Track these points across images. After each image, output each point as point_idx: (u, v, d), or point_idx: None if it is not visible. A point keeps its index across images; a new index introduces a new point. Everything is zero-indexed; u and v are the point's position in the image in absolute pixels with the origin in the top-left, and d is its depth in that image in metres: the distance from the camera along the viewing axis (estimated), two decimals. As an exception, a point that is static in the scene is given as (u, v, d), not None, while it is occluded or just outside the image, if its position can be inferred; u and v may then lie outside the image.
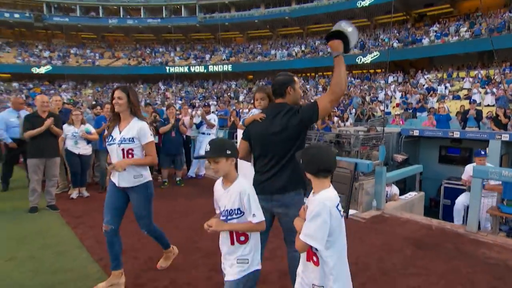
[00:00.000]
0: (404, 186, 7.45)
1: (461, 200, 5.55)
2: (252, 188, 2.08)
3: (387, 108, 14.14)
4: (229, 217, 2.05)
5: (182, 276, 3.21)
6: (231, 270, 2.02)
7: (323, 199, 1.68)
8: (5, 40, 33.70)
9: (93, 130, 5.89)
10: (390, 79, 20.84)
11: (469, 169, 5.13)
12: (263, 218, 2.00)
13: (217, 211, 2.21)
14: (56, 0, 33.24)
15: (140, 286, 3.00)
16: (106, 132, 2.98)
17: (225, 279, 2.04)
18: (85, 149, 5.83)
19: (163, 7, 33.58)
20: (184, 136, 7.06)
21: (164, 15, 33.47)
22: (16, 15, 31.80)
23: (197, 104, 20.95)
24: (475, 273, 3.29)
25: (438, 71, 20.54)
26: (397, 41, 23.65)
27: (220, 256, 3.33)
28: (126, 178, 2.83)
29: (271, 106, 2.61)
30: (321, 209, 1.63)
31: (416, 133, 8.57)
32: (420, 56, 22.41)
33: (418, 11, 26.59)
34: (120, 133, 2.81)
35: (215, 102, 21.79)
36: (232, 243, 2.05)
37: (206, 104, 8.34)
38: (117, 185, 2.86)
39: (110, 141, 2.83)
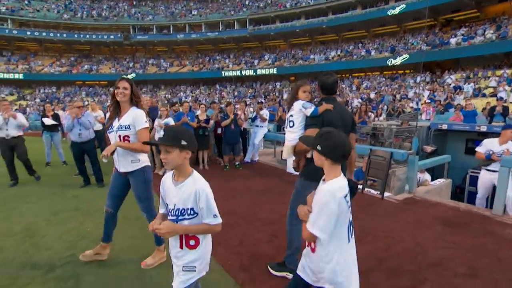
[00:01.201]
0: (432, 174, 7.09)
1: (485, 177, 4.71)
2: (209, 186, 1.61)
3: (416, 105, 13.32)
4: (180, 217, 1.56)
5: (248, 239, 3.40)
6: (177, 278, 1.59)
7: (334, 190, 1.43)
8: (103, 56, 36.65)
9: (172, 122, 6.24)
10: (418, 79, 19.48)
11: (487, 143, 4.53)
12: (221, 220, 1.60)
13: (161, 210, 1.70)
14: (139, 23, 35.30)
15: (215, 244, 3.25)
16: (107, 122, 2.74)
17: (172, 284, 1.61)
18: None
19: (220, 22, 34.18)
20: (242, 128, 7.25)
21: (220, 29, 34.08)
22: (111, 36, 34.36)
23: (248, 102, 21.30)
24: (500, 249, 3.15)
25: (464, 71, 18.77)
26: (425, 44, 21.94)
27: (278, 223, 3.54)
28: (123, 163, 2.60)
29: (332, 100, 2.51)
30: (331, 200, 1.39)
31: (444, 127, 8.05)
32: (447, 57, 20.58)
33: (446, 16, 24.35)
34: (119, 121, 2.58)
35: (263, 100, 21.95)
36: (181, 247, 1.59)
37: (259, 101, 8.51)
38: (118, 170, 2.67)
39: (110, 129, 2.61)
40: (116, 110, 2.62)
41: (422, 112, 10.91)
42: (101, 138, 6.59)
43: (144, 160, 2.67)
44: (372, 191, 5.20)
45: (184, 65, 34.39)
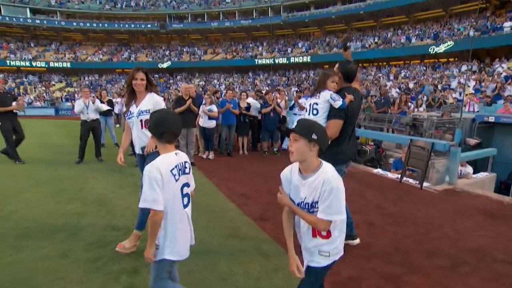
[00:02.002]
0: (475, 167, 6.92)
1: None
2: (153, 169, 1.61)
3: (460, 96, 12.66)
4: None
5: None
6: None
7: (334, 171, 1.48)
8: (140, 44, 38.24)
9: (215, 109, 6.62)
10: (464, 68, 18.30)
11: None
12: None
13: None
14: (174, 12, 36.20)
15: (264, 220, 3.61)
16: (124, 109, 2.90)
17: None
18: (207, 124, 6.66)
19: (254, 10, 34.08)
20: (280, 116, 7.48)
21: (254, 16, 34.00)
22: (148, 26, 35.65)
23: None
24: (546, 241, 3.18)
25: (518, 59, 17.30)
26: (474, 30, 20.41)
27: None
28: (142, 145, 2.74)
29: (351, 90, 2.66)
30: (338, 181, 1.45)
31: (491, 119, 7.71)
32: (499, 44, 18.97)
33: (500, -3, 22.35)
34: (137, 107, 2.71)
35: (297, 89, 21.88)
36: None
37: (298, 89, 8.66)
38: (138, 152, 2.80)
39: (129, 115, 2.73)
40: (132, 97, 2.75)
41: (466, 104, 10.42)
42: None
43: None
44: (411, 180, 5.28)
45: (218, 53, 34.92)
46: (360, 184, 5.20)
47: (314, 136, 1.42)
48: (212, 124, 6.64)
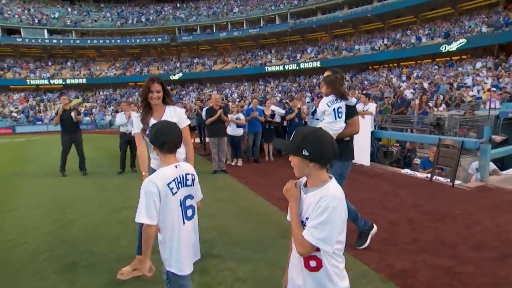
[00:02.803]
0: (502, 164, 6.94)
1: None
2: (150, 184, 1.66)
3: (478, 93, 12.63)
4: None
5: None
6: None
7: (337, 193, 1.23)
8: (152, 57, 39.30)
9: (242, 117, 6.92)
10: (478, 64, 18.19)
11: None
12: None
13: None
14: (183, 24, 37.17)
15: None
16: (141, 125, 2.49)
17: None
18: (236, 132, 6.93)
19: (261, 18, 34.68)
20: (303, 121, 7.68)
21: (261, 25, 34.58)
22: (159, 39, 36.69)
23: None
24: None
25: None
26: (486, 26, 20.31)
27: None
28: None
29: None
30: (338, 205, 1.21)
31: (515, 115, 7.74)
32: (513, 38, 18.81)
33: (512, -8, 22.20)
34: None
35: (309, 94, 22.12)
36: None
37: (317, 95, 8.89)
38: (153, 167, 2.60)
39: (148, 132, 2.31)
40: (148, 111, 2.49)
41: (486, 101, 10.41)
42: None
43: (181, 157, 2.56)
44: (441, 178, 5.39)
45: (228, 62, 35.54)
46: (392, 185, 5.33)
47: (305, 153, 1.23)
48: (240, 132, 6.89)
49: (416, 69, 23.07)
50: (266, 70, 31.85)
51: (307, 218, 1.25)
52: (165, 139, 1.66)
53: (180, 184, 1.66)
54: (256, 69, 32.77)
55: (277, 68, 31.48)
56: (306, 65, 29.76)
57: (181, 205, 1.67)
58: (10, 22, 33.68)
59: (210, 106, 6.41)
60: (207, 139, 10.20)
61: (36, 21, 34.99)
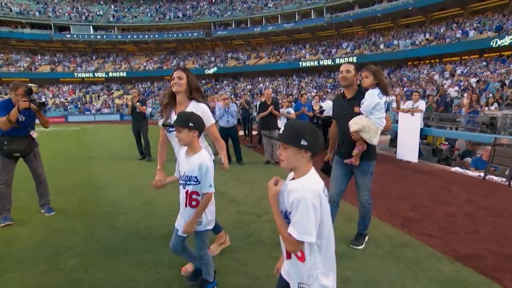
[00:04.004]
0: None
1: None
2: (211, 161, 2.04)
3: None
4: (187, 182, 2.02)
5: (394, 208, 4.20)
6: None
7: (310, 182, 1.29)
8: (187, 52, 40.65)
9: (292, 111, 7.24)
10: (534, 60, 17.04)
11: None
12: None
13: (176, 174, 2.33)
14: (219, 19, 37.99)
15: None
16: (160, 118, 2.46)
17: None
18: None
19: (296, 13, 34.56)
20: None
21: (296, 19, 34.47)
22: (195, 34, 37.82)
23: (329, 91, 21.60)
24: None
25: None
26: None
27: (412, 198, 4.15)
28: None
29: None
30: (313, 197, 1.24)
31: None
32: None
33: None
34: None
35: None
36: (186, 206, 2.06)
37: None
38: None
39: (170, 128, 2.27)
40: (171, 103, 2.37)
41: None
42: None
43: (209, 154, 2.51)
44: (495, 178, 5.43)
45: (261, 57, 35.90)
46: (442, 181, 5.45)
47: (303, 143, 1.27)
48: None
49: (460, 66, 22.01)
50: (301, 65, 31.81)
51: (289, 213, 1.29)
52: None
53: None
54: (290, 64, 32.82)
55: (312, 63, 31.33)
56: (342, 61, 29.31)
57: None
58: (61, 20, 36.37)
59: (262, 101, 6.82)
60: (253, 132, 10.74)
61: (83, 18, 37.46)
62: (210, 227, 2.14)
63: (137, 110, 7.12)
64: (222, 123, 6.56)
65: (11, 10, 34.73)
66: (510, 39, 19.16)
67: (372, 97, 2.63)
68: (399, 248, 2.96)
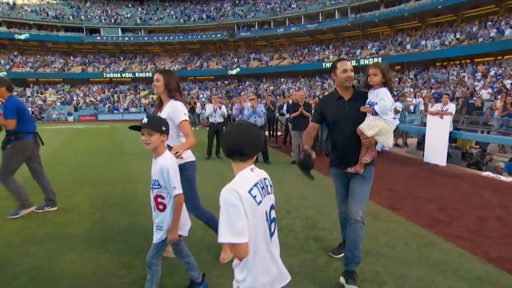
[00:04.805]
0: None
1: None
2: (172, 164, 1.98)
3: None
4: (153, 186, 2.01)
5: (423, 210, 4.23)
6: (154, 234, 2.05)
7: (234, 182, 1.29)
8: (210, 53, 41.46)
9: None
10: None
11: None
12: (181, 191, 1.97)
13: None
14: (242, 20, 38.47)
15: (395, 209, 4.15)
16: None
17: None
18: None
19: (320, 13, 34.36)
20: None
21: (320, 20, 34.25)
22: (218, 35, 38.50)
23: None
24: None
25: None
26: None
27: (440, 201, 4.16)
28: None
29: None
30: (228, 195, 1.22)
31: None
32: None
33: None
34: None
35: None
36: (154, 209, 2.05)
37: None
38: None
39: None
40: (160, 103, 2.62)
41: None
42: None
43: (185, 156, 2.51)
44: (530, 183, 5.28)
45: (284, 58, 35.98)
46: (473, 185, 5.38)
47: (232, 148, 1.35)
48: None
49: (494, 67, 21.03)
50: (324, 66, 31.58)
51: None
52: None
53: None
54: (313, 65, 32.66)
55: (335, 64, 30.98)
56: (366, 62, 28.84)
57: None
58: (92, 23, 38.26)
59: (295, 102, 6.92)
60: (278, 133, 10.93)
61: (113, 21, 39.17)
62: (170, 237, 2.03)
63: None
64: (250, 123, 6.77)
65: (47, 15, 36.96)
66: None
67: (388, 96, 2.37)
68: (428, 248, 3.04)
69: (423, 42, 26.96)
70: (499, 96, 9.88)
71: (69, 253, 2.93)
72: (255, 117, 6.69)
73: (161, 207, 2.01)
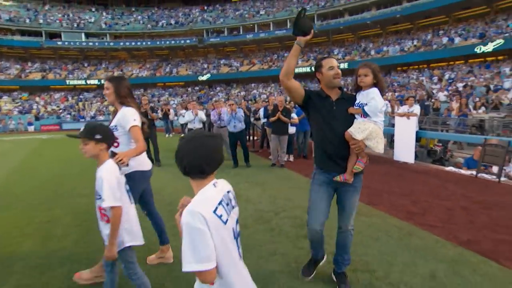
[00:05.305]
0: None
1: None
2: (108, 174, 1.87)
3: (516, 95, 12.70)
4: (96, 197, 1.91)
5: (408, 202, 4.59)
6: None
7: (194, 201, 1.19)
8: (180, 59, 40.90)
9: (295, 116, 7.61)
10: (516, 66, 17.99)
11: None
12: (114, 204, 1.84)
13: None
14: (211, 26, 38.47)
15: (375, 204, 4.47)
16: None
17: None
18: (290, 130, 7.64)
19: (288, 20, 35.32)
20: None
21: (288, 26, 35.17)
22: (187, 41, 38.14)
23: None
24: None
25: None
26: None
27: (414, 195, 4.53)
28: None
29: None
30: (191, 217, 1.13)
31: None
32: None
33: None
34: (112, 122, 2.51)
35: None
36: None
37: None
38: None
39: None
40: (116, 111, 2.59)
41: (526, 103, 10.61)
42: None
43: (132, 165, 2.43)
44: (486, 175, 5.90)
45: (254, 63, 36.44)
46: (439, 180, 5.90)
47: (186, 169, 1.26)
48: (292, 130, 7.65)
49: (448, 71, 22.96)
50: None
51: None
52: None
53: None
54: (279, 69, 33.31)
55: (304, 69, 31.99)
56: (333, 67, 30.07)
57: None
58: (52, 27, 36.21)
59: (274, 106, 7.09)
60: (255, 137, 11.07)
61: (75, 25, 37.39)
62: (128, 244, 1.96)
63: (149, 117, 7.36)
64: (230, 128, 6.88)
65: (0, 17, 34.42)
66: (493, 46, 20.14)
67: (380, 96, 2.21)
68: (408, 237, 3.34)
69: (385, 48, 28.73)
70: (454, 98, 10.85)
71: (58, 268, 2.84)
72: (235, 122, 6.80)
73: (105, 218, 1.90)
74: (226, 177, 2.25)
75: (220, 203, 1.22)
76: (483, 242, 3.20)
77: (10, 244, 3.37)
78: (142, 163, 2.60)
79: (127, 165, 2.20)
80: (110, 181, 1.85)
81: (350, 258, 2.50)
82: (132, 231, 2.00)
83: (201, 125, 7.45)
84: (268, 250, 3.09)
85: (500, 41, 19.89)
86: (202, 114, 7.44)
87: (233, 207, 1.32)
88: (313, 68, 2.49)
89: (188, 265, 1.11)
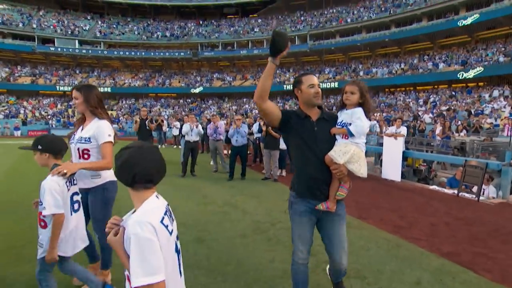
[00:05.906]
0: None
1: None
2: (49, 183, 1.99)
3: (495, 121, 13.53)
4: (39, 204, 2.05)
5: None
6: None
7: (139, 217, 1.14)
8: (173, 71, 41.30)
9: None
10: (496, 92, 19.12)
11: None
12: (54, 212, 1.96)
13: None
14: (206, 41, 39.24)
15: (364, 218, 4.74)
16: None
17: None
18: (282, 146, 7.92)
19: (281, 38, 36.39)
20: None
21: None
22: (182, 54, 38.69)
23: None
24: None
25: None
26: (503, 55, 21.35)
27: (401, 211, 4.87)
28: (83, 178, 2.37)
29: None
30: (140, 229, 1.10)
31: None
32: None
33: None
34: (81, 132, 2.40)
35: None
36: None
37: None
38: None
39: (71, 140, 2.43)
40: (83, 119, 2.49)
41: (504, 128, 11.33)
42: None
43: (106, 175, 2.44)
44: (466, 195, 6.31)
45: (246, 78, 37.15)
46: (424, 197, 6.27)
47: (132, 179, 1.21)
48: (284, 145, 7.95)
49: (433, 94, 24.08)
50: (285, 88, 33.23)
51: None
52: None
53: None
54: (274, 86, 34.03)
55: (296, 86, 32.82)
56: (324, 85, 31.04)
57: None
58: (46, 33, 36.15)
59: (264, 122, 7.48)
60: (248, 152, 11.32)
61: (69, 32, 37.44)
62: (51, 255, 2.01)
63: (147, 127, 7.55)
64: (233, 142, 7.13)
65: (-8, 21, 34.21)
66: (474, 73, 21.38)
67: (365, 117, 2.09)
68: (395, 248, 3.62)
69: (374, 70, 29.93)
70: (438, 121, 11.47)
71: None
72: (237, 137, 7.05)
73: (42, 223, 2.03)
74: (222, 189, 2.55)
75: (165, 213, 1.23)
76: (463, 254, 3.51)
77: (15, 246, 3.46)
78: (110, 173, 2.53)
79: (65, 176, 2.08)
80: (51, 190, 1.97)
81: (346, 270, 2.35)
82: (64, 241, 2.08)
83: (198, 138, 7.66)
84: (267, 258, 3.30)
85: (480, 69, 21.13)
86: (200, 127, 7.67)
87: (173, 220, 1.31)
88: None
89: (137, 280, 1.06)
